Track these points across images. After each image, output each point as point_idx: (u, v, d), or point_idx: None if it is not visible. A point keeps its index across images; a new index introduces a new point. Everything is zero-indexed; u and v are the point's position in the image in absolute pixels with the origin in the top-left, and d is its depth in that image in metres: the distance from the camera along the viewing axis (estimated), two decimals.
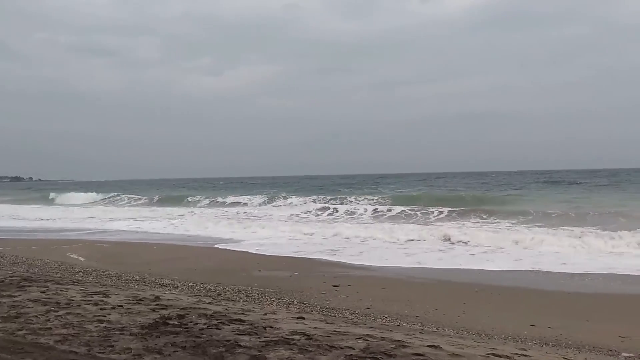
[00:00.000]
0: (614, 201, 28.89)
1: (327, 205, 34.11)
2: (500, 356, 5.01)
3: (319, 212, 31.15)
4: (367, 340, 5.09)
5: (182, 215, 31.17)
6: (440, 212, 26.59)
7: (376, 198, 37.10)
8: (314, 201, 37.36)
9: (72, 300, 6.47)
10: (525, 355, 5.33)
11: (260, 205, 39.33)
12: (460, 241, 17.40)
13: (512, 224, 22.26)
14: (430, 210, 27.34)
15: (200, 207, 40.01)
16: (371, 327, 6.57)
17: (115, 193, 56.37)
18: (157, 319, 5.62)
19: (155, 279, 10.87)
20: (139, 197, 50.86)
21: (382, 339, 5.27)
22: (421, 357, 4.50)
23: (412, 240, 18.19)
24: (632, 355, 6.47)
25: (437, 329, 7.54)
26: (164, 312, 6.06)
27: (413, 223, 23.77)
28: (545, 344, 6.88)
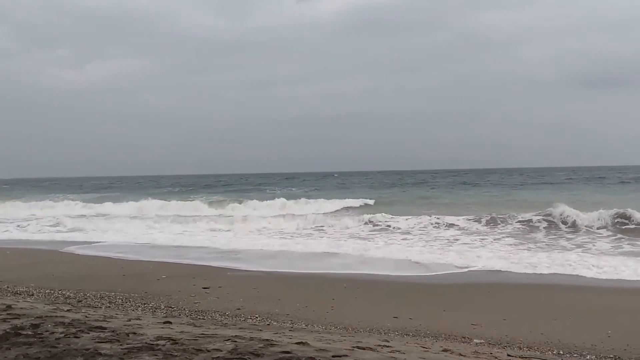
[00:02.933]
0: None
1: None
2: (364, 348, 5.21)
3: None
4: (236, 341, 5.06)
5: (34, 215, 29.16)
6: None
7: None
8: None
9: None
10: (387, 346, 5.59)
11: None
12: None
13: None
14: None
15: (68, 206, 37.04)
16: (241, 328, 6.54)
17: None
18: (7, 330, 5.20)
19: (8, 287, 10.03)
20: None
21: (251, 339, 5.27)
22: (288, 355, 4.55)
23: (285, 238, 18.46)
24: (482, 341, 7.02)
25: (306, 325, 7.68)
26: (16, 321, 5.63)
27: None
28: (406, 335, 7.27)
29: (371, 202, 31.99)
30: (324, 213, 26.23)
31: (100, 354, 4.44)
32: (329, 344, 5.32)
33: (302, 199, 33.10)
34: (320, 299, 9.45)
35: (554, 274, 11.61)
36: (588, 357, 6.40)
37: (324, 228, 21.26)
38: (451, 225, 20.16)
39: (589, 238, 16.94)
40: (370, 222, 21.68)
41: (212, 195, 42.33)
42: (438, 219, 20.93)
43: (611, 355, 6.47)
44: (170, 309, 8.63)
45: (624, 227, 18.29)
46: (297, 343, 5.15)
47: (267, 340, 5.21)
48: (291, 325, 7.57)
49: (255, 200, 32.83)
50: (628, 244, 15.54)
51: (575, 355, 6.47)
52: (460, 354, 5.73)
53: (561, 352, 6.56)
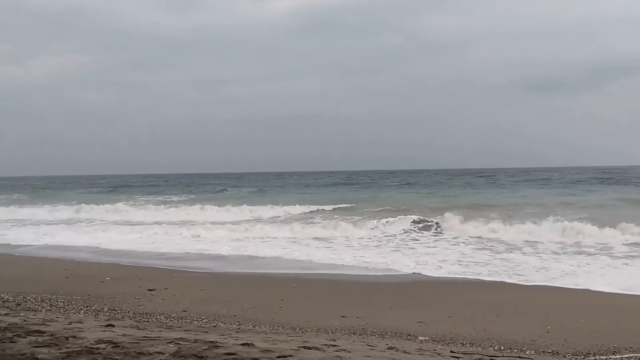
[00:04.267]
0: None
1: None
2: (310, 348, 5.22)
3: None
4: (179, 343, 4.99)
5: None
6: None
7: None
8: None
9: None
10: (334, 345, 5.62)
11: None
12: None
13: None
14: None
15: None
16: (186, 330, 6.45)
17: None
18: None
19: None
20: None
21: (195, 341, 5.21)
22: (233, 356, 4.52)
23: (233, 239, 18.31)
24: (427, 338, 7.15)
25: (253, 326, 7.64)
26: None
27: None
28: (353, 333, 7.33)
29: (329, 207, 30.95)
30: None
31: (37, 359, 4.30)
32: (275, 345, 5.31)
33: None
34: (269, 300, 9.41)
35: (495, 272, 11.94)
36: (528, 352, 6.59)
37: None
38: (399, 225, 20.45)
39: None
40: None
41: (149, 195, 42.05)
42: (387, 221, 21.16)
43: (550, 350, 6.69)
44: (113, 311, 8.43)
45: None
46: (242, 344, 5.12)
47: (212, 342, 5.16)
48: (238, 327, 7.51)
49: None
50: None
51: (515, 350, 6.66)
52: (405, 352, 5.82)
53: (502, 348, 6.74)
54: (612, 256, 13.64)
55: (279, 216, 25.72)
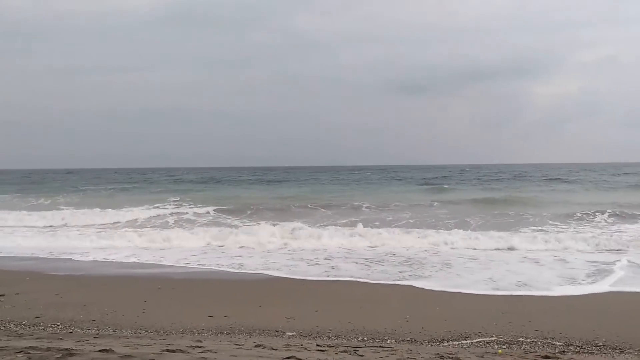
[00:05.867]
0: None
1: None
2: (174, 351, 5.07)
3: None
4: (29, 353, 4.62)
5: None
6: None
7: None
8: None
9: None
10: (200, 347, 5.51)
11: None
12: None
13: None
14: None
15: None
16: (38, 338, 5.99)
17: None
18: None
19: None
20: None
21: (48, 349, 4.86)
22: None
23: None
24: (294, 333, 7.24)
25: (114, 331, 7.27)
26: None
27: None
28: (221, 333, 7.23)
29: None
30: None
31: None
32: (136, 349, 5.09)
33: None
34: (131, 303, 9.00)
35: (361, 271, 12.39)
36: (389, 341, 6.91)
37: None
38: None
39: None
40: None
41: None
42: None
43: (408, 338, 7.06)
44: None
45: None
46: (100, 351, 4.86)
47: (67, 349, 4.84)
48: (97, 332, 7.11)
49: None
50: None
51: (377, 340, 6.95)
52: (272, 348, 5.84)
53: (365, 339, 7.01)
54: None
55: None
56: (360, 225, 17.99)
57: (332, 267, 12.34)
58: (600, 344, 6.76)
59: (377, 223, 19.78)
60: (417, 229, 17.79)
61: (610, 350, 6.53)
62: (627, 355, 6.33)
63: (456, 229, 17.67)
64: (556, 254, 13.79)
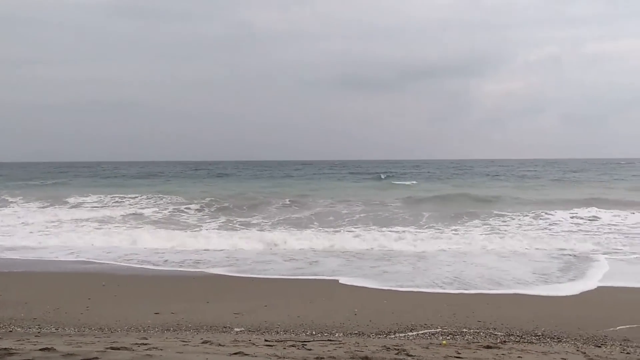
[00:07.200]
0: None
1: None
2: (118, 348, 4.97)
3: None
4: None
5: None
6: None
7: None
8: None
9: None
10: (145, 344, 5.42)
11: None
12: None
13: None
14: None
15: None
16: None
17: None
18: None
19: None
20: None
21: None
22: None
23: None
24: (243, 329, 7.22)
25: (56, 329, 7.08)
26: None
27: None
28: (167, 330, 7.13)
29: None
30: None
31: None
32: (79, 348, 4.97)
33: None
34: (75, 300, 8.77)
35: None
36: (337, 335, 6.97)
37: None
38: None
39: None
40: None
41: None
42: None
43: (356, 331, 7.15)
44: None
45: None
46: (42, 349, 4.72)
47: (6, 349, 4.68)
48: (38, 331, 6.90)
49: None
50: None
51: (326, 334, 7.00)
52: (220, 344, 5.80)
53: (314, 333, 7.05)
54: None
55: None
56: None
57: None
58: (539, 333, 7.03)
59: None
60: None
61: (548, 339, 6.80)
62: (564, 344, 6.60)
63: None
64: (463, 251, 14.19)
